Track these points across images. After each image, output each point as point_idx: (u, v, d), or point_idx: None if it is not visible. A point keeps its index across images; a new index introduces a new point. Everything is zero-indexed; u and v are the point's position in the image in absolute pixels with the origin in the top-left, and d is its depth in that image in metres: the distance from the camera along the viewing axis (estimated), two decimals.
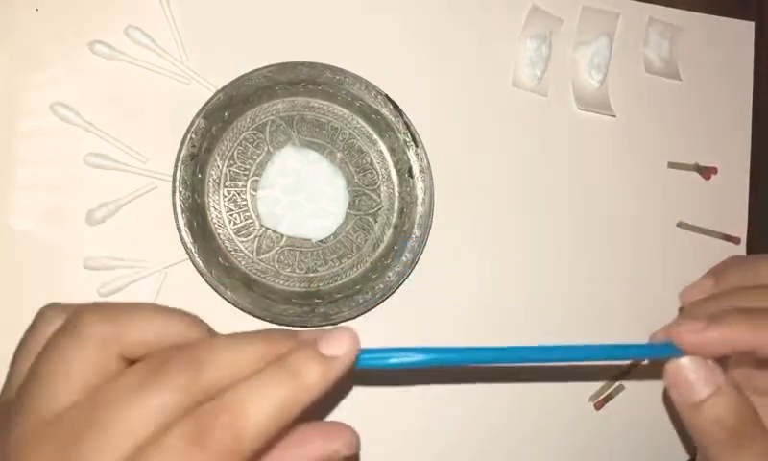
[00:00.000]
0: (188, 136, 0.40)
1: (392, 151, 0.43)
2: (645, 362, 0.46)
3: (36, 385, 0.23)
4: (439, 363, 0.27)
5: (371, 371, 0.27)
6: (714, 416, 0.30)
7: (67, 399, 0.23)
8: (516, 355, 0.29)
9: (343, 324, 0.42)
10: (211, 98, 0.40)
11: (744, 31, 0.50)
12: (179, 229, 0.39)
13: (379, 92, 0.42)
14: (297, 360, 0.24)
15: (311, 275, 0.42)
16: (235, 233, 0.41)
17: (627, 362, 0.46)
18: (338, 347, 0.25)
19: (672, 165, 0.47)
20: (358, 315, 0.41)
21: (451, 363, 0.28)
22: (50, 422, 0.23)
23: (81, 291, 0.39)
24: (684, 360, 0.30)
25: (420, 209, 0.42)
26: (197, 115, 0.40)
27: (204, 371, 0.23)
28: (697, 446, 0.31)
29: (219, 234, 0.41)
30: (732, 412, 0.30)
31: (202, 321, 0.26)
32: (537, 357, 0.30)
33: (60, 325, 0.25)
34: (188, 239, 0.39)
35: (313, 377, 0.24)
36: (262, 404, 0.23)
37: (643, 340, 0.46)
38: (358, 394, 0.43)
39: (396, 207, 0.43)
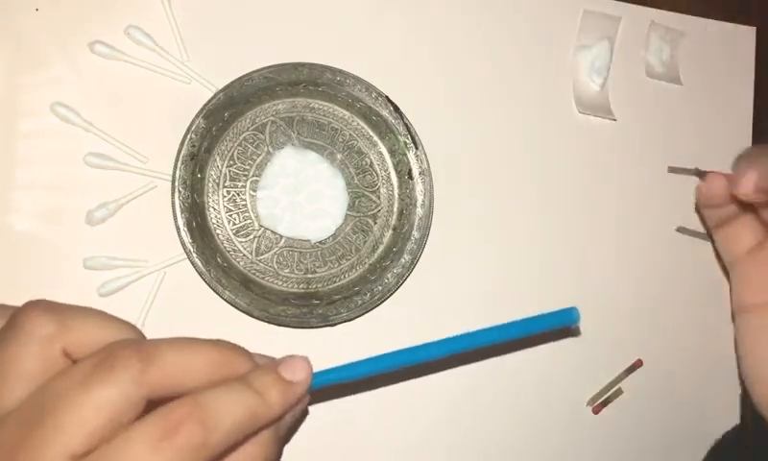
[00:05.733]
0: (188, 136, 0.40)
1: (392, 153, 0.43)
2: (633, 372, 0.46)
3: None
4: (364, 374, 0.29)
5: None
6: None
7: (15, 396, 0.23)
8: (427, 352, 0.30)
9: (341, 325, 0.42)
10: (211, 98, 0.40)
11: (745, 36, 0.50)
12: (178, 228, 0.39)
13: (380, 94, 0.42)
14: (260, 380, 0.25)
15: (310, 276, 0.42)
16: (234, 234, 0.41)
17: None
18: (297, 373, 0.26)
19: (672, 170, 0.47)
20: (356, 317, 0.41)
21: (362, 375, 0.29)
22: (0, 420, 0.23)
23: (80, 291, 0.39)
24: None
25: (419, 211, 0.42)
26: (197, 115, 0.40)
27: (151, 366, 0.23)
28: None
29: (218, 234, 0.41)
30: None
31: (143, 333, 0.26)
32: (444, 349, 0.30)
33: (2, 324, 0.24)
34: (187, 239, 0.39)
35: (274, 398, 0.25)
36: (231, 408, 0.23)
37: (644, 343, 0.47)
38: (345, 403, 0.43)
39: (395, 209, 0.43)
